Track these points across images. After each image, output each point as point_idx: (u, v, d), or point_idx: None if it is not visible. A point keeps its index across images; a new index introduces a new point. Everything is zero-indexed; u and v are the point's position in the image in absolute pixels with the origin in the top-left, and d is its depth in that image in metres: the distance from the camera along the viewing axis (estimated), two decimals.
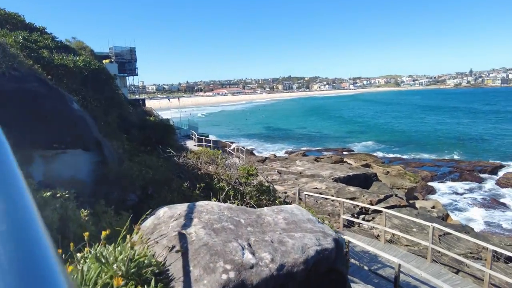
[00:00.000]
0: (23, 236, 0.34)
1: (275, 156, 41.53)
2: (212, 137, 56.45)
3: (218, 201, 4.07)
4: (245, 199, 4.33)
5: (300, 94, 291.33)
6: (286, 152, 49.46)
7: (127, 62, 38.11)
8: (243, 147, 51.96)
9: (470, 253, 13.28)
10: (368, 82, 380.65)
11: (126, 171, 4.05)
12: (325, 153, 46.95)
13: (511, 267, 12.83)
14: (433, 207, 23.51)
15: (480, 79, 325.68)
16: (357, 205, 14.39)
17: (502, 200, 28.74)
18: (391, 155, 46.45)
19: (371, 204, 18.39)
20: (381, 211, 17.96)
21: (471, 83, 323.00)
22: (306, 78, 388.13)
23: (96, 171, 4.80)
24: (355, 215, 16.53)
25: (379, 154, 46.61)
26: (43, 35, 7.68)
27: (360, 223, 14.48)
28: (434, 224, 9.45)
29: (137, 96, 42.82)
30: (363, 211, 18.30)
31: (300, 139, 63.53)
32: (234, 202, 3.98)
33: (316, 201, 17.04)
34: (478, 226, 23.34)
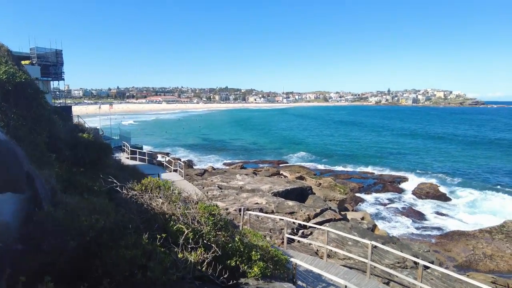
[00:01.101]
0: None
1: (213, 168, 41.02)
2: (146, 148, 53.87)
3: (178, 247, 3.72)
4: (205, 241, 3.99)
5: (237, 106, 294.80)
6: (224, 164, 49.29)
7: (51, 66, 34.46)
8: (179, 159, 50.43)
9: (398, 263, 14.51)
10: (300, 97, 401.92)
11: (68, 219, 3.44)
12: (261, 165, 47.92)
13: (429, 272, 14.33)
14: (363, 218, 25.33)
15: (396, 98, 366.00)
16: (299, 223, 14.73)
17: (417, 209, 32.21)
18: (321, 167, 49.22)
19: (309, 219, 19.10)
20: (318, 225, 18.83)
21: (389, 101, 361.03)
22: (242, 90, 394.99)
23: (25, 210, 4.09)
24: (295, 230, 16.99)
25: (311, 165, 49.13)
26: None
27: (299, 240, 14.83)
28: (373, 242, 10.07)
29: (61, 101, 38.79)
30: (302, 226, 18.92)
31: (237, 150, 63.94)
32: (194, 249, 3.61)
33: (257, 217, 17.09)
34: (400, 233, 25.80)
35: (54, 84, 38.07)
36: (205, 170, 36.31)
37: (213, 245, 3.99)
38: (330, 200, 28.16)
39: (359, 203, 34.18)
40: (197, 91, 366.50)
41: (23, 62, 29.57)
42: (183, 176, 24.65)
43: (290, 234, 16.56)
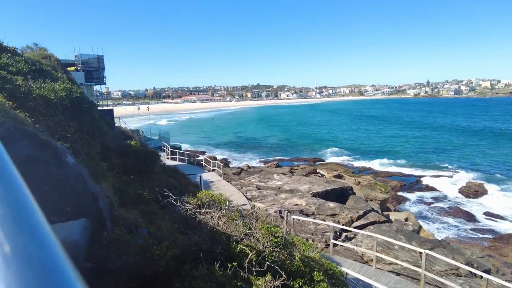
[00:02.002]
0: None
1: (248, 166, 41.17)
2: (183, 147, 55.23)
3: (243, 270, 3.59)
4: (268, 262, 3.85)
5: (268, 102, 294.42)
6: (259, 162, 49.35)
7: (94, 71, 36.18)
8: (216, 158, 51.24)
9: (451, 269, 13.63)
10: (334, 91, 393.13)
11: (139, 247, 3.41)
12: (296, 163, 47.38)
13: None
14: (407, 219, 24.21)
15: (436, 90, 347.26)
16: (346, 229, 14.25)
17: (465, 209, 30.26)
18: (358, 164, 47.67)
19: (352, 221, 18.51)
20: (362, 228, 18.20)
21: (429, 93, 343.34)
22: (274, 87, 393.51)
23: (91, 229, 4.14)
24: (337, 233, 16.54)
25: (347, 163, 47.77)
26: (14, 56, 6.77)
27: (342, 244, 14.37)
28: (427, 251, 9.47)
29: (102, 103, 40.69)
30: (343, 228, 18.39)
31: (269, 147, 63.72)
32: (259, 274, 3.45)
33: (299, 220, 16.81)
34: (448, 235, 24.38)
35: (96, 87, 39.99)
36: (242, 169, 36.52)
37: (278, 268, 3.82)
38: (372, 200, 27.21)
39: (402, 203, 32.78)
40: (229, 89, 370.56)
41: (69, 69, 31.28)
42: (222, 176, 24.91)
43: (333, 237, 16.16)
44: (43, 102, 5.50)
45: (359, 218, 18.84)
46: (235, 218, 4.71)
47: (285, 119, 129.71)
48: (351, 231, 14.04)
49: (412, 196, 34.60)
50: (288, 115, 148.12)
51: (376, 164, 47.19)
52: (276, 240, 4.30)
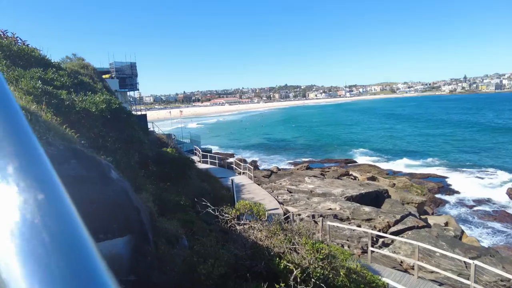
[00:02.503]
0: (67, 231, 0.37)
1: (278, 169, 40.96)
2: (214, 149, 55.93)
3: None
4: (313, 279, 3.70)
5: (296, 103, 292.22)
6: (288, 164, 48.94)
7: (127, 77, 37.54)
8: (245, 160, 51.39)
9: (501, 280, 12.70)
10: (364, 89, 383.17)
11: (185, 266, 3.37)
12: (327, 164, 46.47)
13: None
14: (447, 224, 22.99)
15: (475, 85, 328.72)
16: (385, 236, 13.68)
17: None
18: (391, 165, 45.80)
19: (389, 226, 17.81)
20: (400, 233, 17.45)
21: (466, 89, 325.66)
22: (302, 87, 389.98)
23: (134, 242, 4.15)
24: (374, 239, 15.93)
25: (379, 164, 46.05)
26: (59, 71, 7.09)
27: (380, 252, 13.81)
28: (476, 262, 8.84)
29: (135, 108, 42.12)
30: (381, 234, 17.71)
31: (300, 149, 63.03)
32: None
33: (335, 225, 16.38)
34: (494, 242, 22.80)
35: (129, 93, 41.44)
36: (272, 171, 36.34)
37: (324, 286, 3.64)
38: (408, 203, 26.14)
39: (440, 206, 31.18)
40: (257, 91, 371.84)
41: (104, 76, 32.62)
42: (252, 179, 24.88)
43: (367, 243, 15.60)
44: (85, 114, 5.66)
45: (396, 223, 18.08)
46: (277, 232, 4.57)
47: (313, 119, 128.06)
48: (390, 238, 13.45)
49: (452, 198, 32.84)
50: (316, 116, 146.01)
51: (410, 165, 45.28)
52: (321, 257, 4.12)
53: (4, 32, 16.35)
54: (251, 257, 3.83)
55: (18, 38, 16.75)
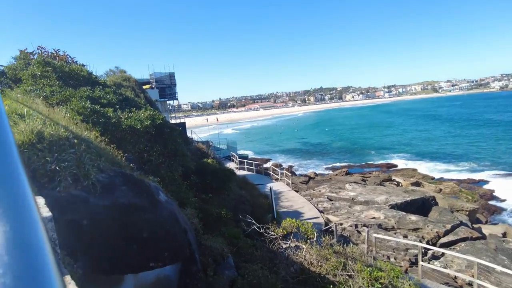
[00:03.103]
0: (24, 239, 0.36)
1: (316, 174, 40.17)
2: (249, 154, 56.23)
3: None
4: None
5: (333, 105, 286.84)
6: (326, 168, 47.87)
7: (167, 87, 38.89)
8: (281, 165, 51.05)
9: None
10: (404, 89, 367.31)
11: None
12: (367, 169, 44.81)
13: None
14: (505, 234, 21.12)
15: None
16: (439, 250, 12.76)
17: None
18: (437, 169, 42.94)
19: (439, 237, 16.67)
20: (451, 245, 16.24)
21: None
22: (338, 89, 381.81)
23: (182, 265, 4.08)
24: (423, 250, 14.95)
25: (423, 168, 43.43)
26: (105, 88, 7.40)
27: (432, 267, 12.90)
28: None
29: (173, 115, 43.48)
30: (429, 244, 16.60)
31: (337, 153, 61.51)
32: None
33: (377, 234, 15.60)
34: None
35: (168, 102, 42.86)
36: (309, 177, 35.68)
37: None
38: (458, 211, 24.38)
39: (495, 213, 28.79)
40: (291, 95, 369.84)
41: (144, 87, 34.01)
42: (290, 186, 24.51)
43: (416, 255, 14.67)
44: (131, 131, 5.78)
45: (446, 233, 16.87)
46: (329, 257, 4.30)
47: (348, 122, 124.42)
48: (446, 252, 12.49)
49: (508, 205, 30.22)
50: (351, 118, 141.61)
51: (457, 169, 42.29)
52: (379, 287, 3.81)
53: (57, 51, 17.56)
54: (303, 283, 3.61)
55: (68, 56, 17.92)
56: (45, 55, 16.74)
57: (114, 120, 5.56)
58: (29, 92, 6.53)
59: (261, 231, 5.03)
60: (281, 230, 4.98)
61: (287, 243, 4.54)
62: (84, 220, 2.40)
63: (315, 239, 4.95)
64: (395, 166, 46.54)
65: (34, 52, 16.36)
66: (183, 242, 3.26)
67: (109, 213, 2.59)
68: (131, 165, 4.09)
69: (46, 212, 1.34)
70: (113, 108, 6.26)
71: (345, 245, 5.28)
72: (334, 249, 4.78)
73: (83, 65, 17.72)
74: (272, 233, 4.87)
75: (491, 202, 31.15)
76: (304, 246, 4.44)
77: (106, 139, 4.89)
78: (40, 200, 1.53)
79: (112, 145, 4.93)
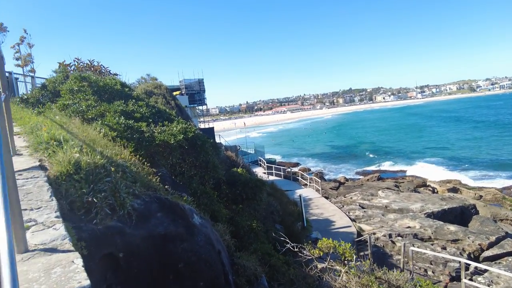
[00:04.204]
0: None
1: (346, 179, 39.23)
2: (276, 158, 55.93)
3: None
4: None
5: (362, 107, 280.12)
6: (357, 173, 46.65)
7: (196, 93, 39.62)
8: (309, 170, 50.35)
9: None
10: (438, 89, 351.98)
11: None
12: (400, 174, 43.11)
13: None
14: None
15: None
16: (469, 261, 11.89)
17: None
18: (473, 175, 40.14)
19: (482, 249, 15.61)
20: (496, 259, 15.14)
21: None
22: (368, 90, 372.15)
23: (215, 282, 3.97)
24: (466, 265, 14.03)
25: (458, 174, 40.84)
26: (138, 102, 7.55)
27: (474, 284, 12.07)
28: None
29: (202, 119, 44.14)
30: (471, 257, 15.60)
31: (367, 156, 59.78)
32: None
33: (412, 245, 14.85)
34: None
35: (198, 107, 43.60)
36: (340, 183, 34.88)
37: None
38: (502, 220, 22.83)
39: None
40: (319, 97, 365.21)
41: (174, 93, 34.78)
42: (320, 192, 24.03)
43: (457, 270, 13.81)
44: (164, 145, 5.80)
45: (490, 246, 15.76)
46: (371, 285, 4.03)
47: (381, 125, 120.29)
48: (492, 271, 11.62)
49: None
50: (384, 121, 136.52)
51: (497, 175, 39.41)
52: None
53: (92, 62, 18.31)
54: None
55: (102, 66, 18.64)
56: (81, 66, 17.56)
57: (147, 134, 5.62)
58: (67, 107, 6.76)
59: (296, 250, 4.84)
60: (317, 252, 4.77)
61: (323, 264, 4.32)
62: (121, 253, 2.36)
63: (354, 262, 4.68)
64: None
65: (71, 64, 17.19)
66: (218, 271, 3.15)
67: (145, 244, 2.53)
68: (165, 186, 4.06)
69: (84, 279, 1.25)
70: (146, 122, 6.35)
71: (383, 266, 4.93)
72: (376, 274, 4.48)
73: (116, 75, 18.39)
74: (307, 253, 4.68)
75: None
76: (342, 269, 4.21)
77: (139, 155, 4.93)
78: (78, 262, 1.45)
79: (145, 160, 4.95)
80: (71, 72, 14.95)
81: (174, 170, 6.78)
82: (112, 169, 2.74)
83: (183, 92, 38.67)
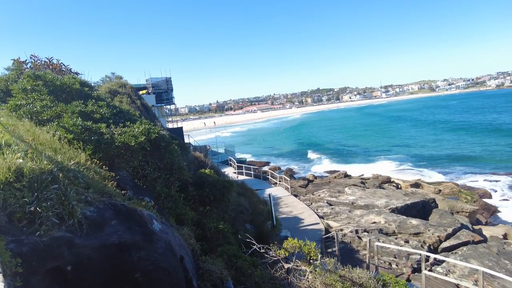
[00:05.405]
0: None
1: (314, 177, 39.97)
2: (247, 157, 55.97)
3: None
4: None
5: (330, 106, 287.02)
6: (325, 171, 47.74)
7: (163, 92, 38.64)
8: (279, 168, 50.82)
9: None
10: (401, 89, 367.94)
11: None
12: (361, 172, 44.70)
13: None
14: (506, 236, 20.98)
15: None
16: (441, 259, 12.53)
17: None
18: (432, 171, 42.64)
19: (440, 241, 16.49)
20: (453, 249, 16.06)
21: None
22: (335, 89, 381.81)
23: None
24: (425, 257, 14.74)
25: (421, 170, 43.19)
26: (98, 102, 7.17)
27: (433, 274, 12.72)
28: None
29: (170, 119, 43.17)
30: (431, 249, 16.41)
31: (334, 154, 61.59)
32: None
33: (378, 240, 15.40)
34: None
35: (165, 106, 42.58)
36: (308, 180, 35.46)
37: None
38: (458, 212, 24.24)
39: (495, 213, 28.70)
40: (289, 96, 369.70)
41: (141, 93, 33.75)
42: (289, 190, 24.28)
43: (418, 261, 14.47)
44: (125, 147, 5.57)
45: (448, 237, 16.70)
46: (334, 283, 4.09)
47: (347, 124, 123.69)
48: (449, 261, 12.30)
49: (508, 204, 30.19)
50: (347, 120, 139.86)
51: (453, 170, 42.06)
52: None
53: (50, 60, 17.29)
54: None
55: (62, 64, 17.65)
56: (39, 64, 16.50)
57: (107, 136, 5.36)
58: (19, 107, 6.31)
59: (262, 251, 4.83)
60: (282, 252, 4.78)
61: (289, 264, 4.34)
62: (69, 266, 2.19)
63: (319, 261, 4.74)
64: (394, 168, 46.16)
65: (27, 61, 16.10)
66: (179, 278, 3.04)
67: (98, 254, 2.37)
68: (123, 191, 3.88)
69: None
70: (106, 123, 6.04)
71: (350, 262, 5.03)
72: (339, 273, 4.57)
73: (77, 73, 17.49)
74: (273, 254, 4.68)
75: (490, 202, 31.07)
76: (307, 269, 4.24)
77: (98, 158, 4.68)
78: None
79: (103, 164, 4.72)
80: (27, 69, 14.03)
81: (136, 173, 6.53)
82: (60, 174, 2.55)
83: (150, 91, 37.58)
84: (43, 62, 16.73)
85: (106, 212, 2.78)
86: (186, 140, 33.10)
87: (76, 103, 6.48)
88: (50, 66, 16.52)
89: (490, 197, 32.68)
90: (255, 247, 5.03)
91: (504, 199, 31.63)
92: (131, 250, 2.65)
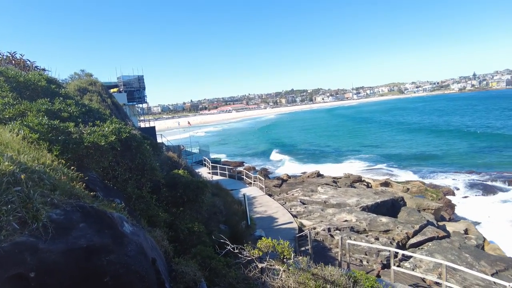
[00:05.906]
0: None
1: (288, 176, 40.38)
2: (222, 157, 55.65)
3: None
4: None
5: (304, 107, 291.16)
6: (299, 171, 48.40)
7: (135, 91, 37.64)
8: (254, 168, 50.94)
9: None
10: (372, 91, 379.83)
11: None
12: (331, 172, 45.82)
13: None
14: (467, 231, 22.18)
15: (485, 82, 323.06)
16: (409, 255, 13.08)
17: None
18: (400, 171, 44.55)
19: (408, 237, 17.17)
20: (419, 245, 16.78)
21: (476, 86, 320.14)
22: (309, 91, 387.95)
23: None
24: (394, 252, 15.30)
25: (392, 170, 44.99)
26: (66, 100, 6.85)
27: (403, 271, 13.24)
28: None
29: (143, 118, 42.13)
30: (399, 245, 17.04)
31: (308, 154, 62.79)
32: None
33: (349, 237, 15.82)
34: None
35: (137, 105, 41.50)
36: (282, 180, 35.80)
37: None
38: (424, 210, 25.36)
39: (457, 210, 30.28)
40: (263, 97, 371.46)
41: (111, 91, 32.69)
42: (264, 190, 24.41)
43: (387, 258, 14.99)
44: (94, 147, 5.38)
45: (415, 233, 17.43)
46: (307, 282, 4.16)
47: (319, 124, 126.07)
48: (416, 256, 12.85)
49: (469, 201, 31.99)
50: (320, 120, 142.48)
51: (420, 169, 44.11)
52: None
53: (13, 54, 16.35)
54: None
55: (27, 60, 16.73)
56: None
57: (75, 136, 5.14)
58: None
59: (236, 251, 4.83)
60: (256, 252, 4.81)
61: (263, 263, 4.37)
62: (32, 272, 2.08)
63: (292, 260, 4.81)
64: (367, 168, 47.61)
65: None
66: (151, 281, 2.97)
67: (64, 259, 2.27)
68: (92, 193, 3.74)
69: None
70: (75, 122, 5.79)
71: (323, 260, 5.14)
72: (312, 271, 4.66)
73: (43, 70, 16.64)
74: (248, 253, 4.69)
75: (453, 199, 32.73)
76: (281, 268, 4.29)
77: (66, 159, 4.49)
78: None
79: (71, 164, 4.53)
80: None
81: (106, 174, 6.32)
82: (22, 176, 2.43)
83: (121, 90, 36.49)
84: (4, 57, 15.78)
85: (74, 214, 2.67)
86: (159, 140, 32.41)
87: (42, 101, 6.17)
88: (13, 61, 15.59)
89: (453, 194, 34.45)
90: (229, 247, 5.02)
91: (465, 197, 33.44)
92: (100, 254, 2.56)
